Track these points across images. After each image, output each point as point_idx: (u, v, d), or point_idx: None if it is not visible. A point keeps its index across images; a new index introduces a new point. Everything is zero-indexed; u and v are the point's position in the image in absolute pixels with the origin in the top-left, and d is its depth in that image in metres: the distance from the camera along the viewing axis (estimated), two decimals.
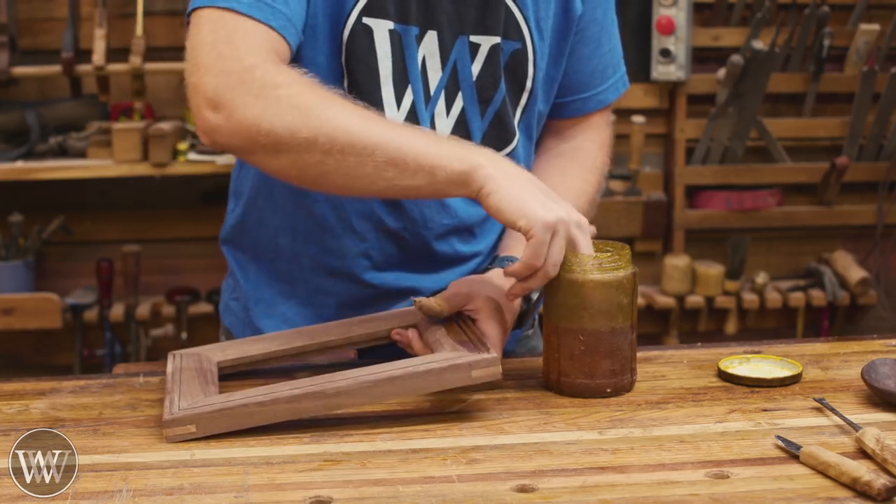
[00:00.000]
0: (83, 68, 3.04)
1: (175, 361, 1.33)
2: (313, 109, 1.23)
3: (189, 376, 1.27)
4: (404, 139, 1.24)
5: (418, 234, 1.47)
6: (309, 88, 1.26)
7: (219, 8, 1.28)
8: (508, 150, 1.49)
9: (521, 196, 1.21)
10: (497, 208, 1.21)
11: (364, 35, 1.38)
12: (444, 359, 1.19)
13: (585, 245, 1.26)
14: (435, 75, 1.42)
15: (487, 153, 1.26)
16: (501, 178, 1.22)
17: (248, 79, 1.24)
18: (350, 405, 1.17)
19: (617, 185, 3.34)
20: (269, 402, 1.16)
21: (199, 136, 1.28)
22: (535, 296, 1.43)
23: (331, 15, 1.37)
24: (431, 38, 1.40)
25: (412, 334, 1.33)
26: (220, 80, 1.24)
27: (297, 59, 1.38)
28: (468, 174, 1.22)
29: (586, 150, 1.58)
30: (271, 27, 1.29)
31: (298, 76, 1.27)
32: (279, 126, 1.22)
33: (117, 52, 3.09)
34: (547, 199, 1.23)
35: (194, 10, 1.30)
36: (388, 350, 1.38)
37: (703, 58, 3.36)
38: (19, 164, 3.05)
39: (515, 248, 1.45)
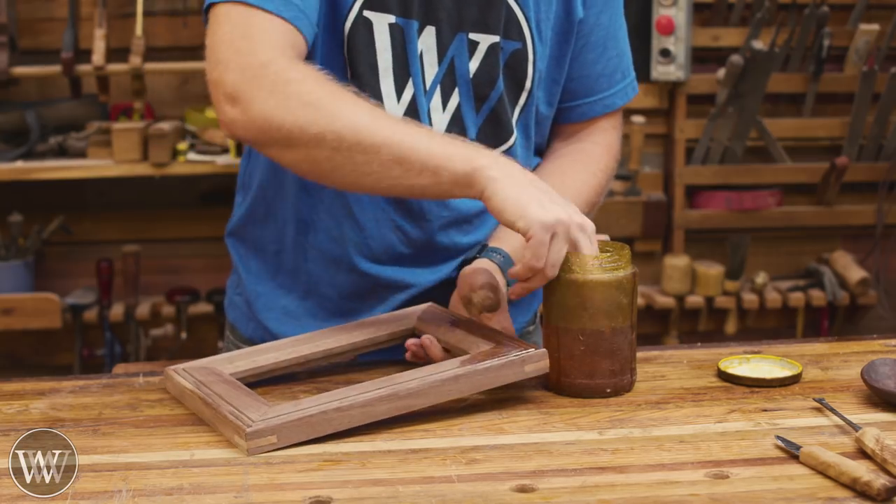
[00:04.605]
0: (83, 68, 3.04)
1: (186, 378, 1.28)
2: (323, 106, 1.26)
3: (225, 389, 1.24)
4: (411, 138, 1.26)
5: (419, 227, 1.47)
6: (320, 85, 1.28)
7: (233, 3, 1.31)
8: (504, 148, 1.49)
9: (521, 198, 1.23)
10: (498, 210, 1.23)
11: (364, 28, 1.40)
12: (496, 356, 1.22)
13: (587, 246, 1.26)
14: (431, 70, 1.43)
15: (492, 155, 1.27)
16: (503, 180, 1.24)
17: (262, 74, 1.27)
18: (419, 405, 1.18)
19: (617, 185, 3.33)
20: (346, 407, 1.15)
21: (221, 128, 1.32)
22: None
23: (333, 7, 1.40)
24: (430, 32, 1.42)
25: (427, 341, 1.33)
26: (236, 75, 1.28)
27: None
28: (471, 176, 1.24)
29: (589, 152, 1.57)
30: (284, 19, 1.31)
31: (311, 72, 1.30)
32: (290, 122, 1.26)
33: (117, 52, 3.09)
34: (549, 200, 1.24)
35: (210, 5, 1.34)
36: (388, 351, 1.41)
37: (703, 58, 3.36)
38: (19, 164, 3.05)
39: (505, 239, 1.46)
